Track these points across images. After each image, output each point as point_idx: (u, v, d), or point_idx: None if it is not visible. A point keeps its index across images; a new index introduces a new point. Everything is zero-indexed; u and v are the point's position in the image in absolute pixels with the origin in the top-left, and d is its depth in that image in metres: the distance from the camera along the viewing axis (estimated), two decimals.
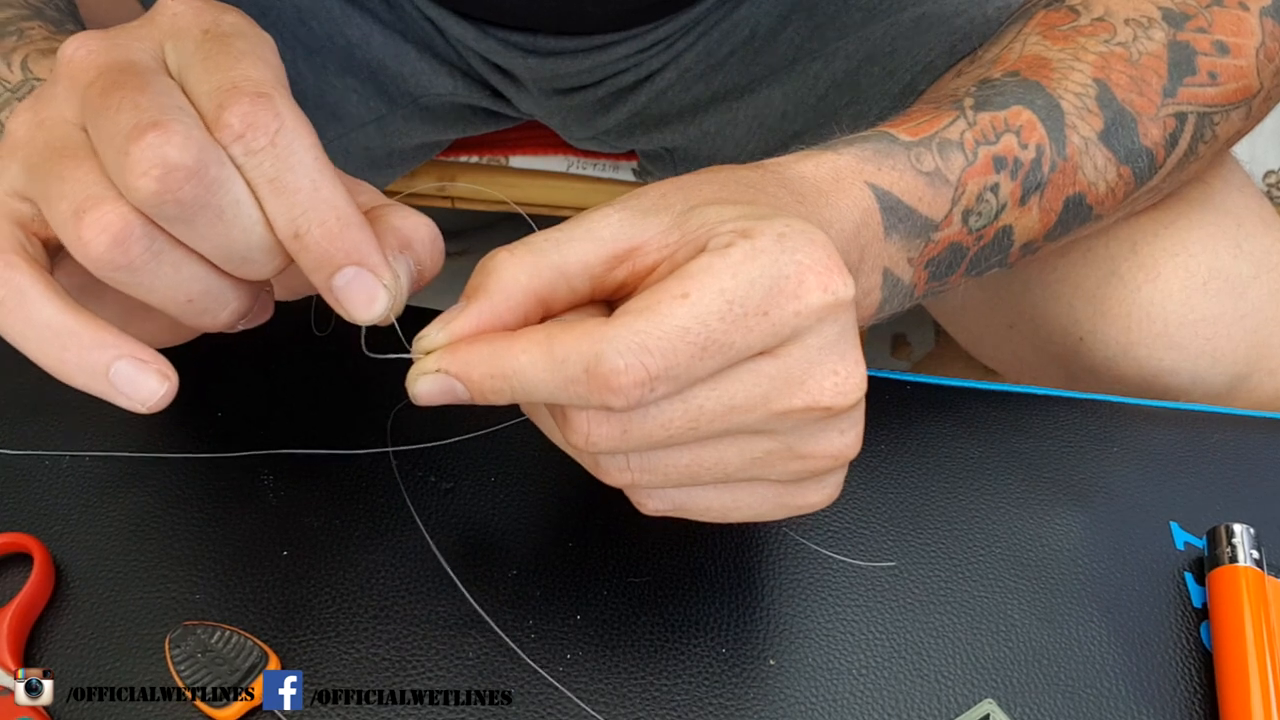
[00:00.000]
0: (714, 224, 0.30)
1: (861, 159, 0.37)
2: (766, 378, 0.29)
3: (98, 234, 0.28)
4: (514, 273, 0.30)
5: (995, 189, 0.39)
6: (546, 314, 0.31)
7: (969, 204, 0.39)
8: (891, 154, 0.37)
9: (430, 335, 0.31)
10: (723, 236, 0.29)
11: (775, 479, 0.32)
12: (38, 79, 0.38)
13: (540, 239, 0.31)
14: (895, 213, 0.37)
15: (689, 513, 0.33)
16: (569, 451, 0.33)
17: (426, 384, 0.30)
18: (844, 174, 0.36)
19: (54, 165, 0.29)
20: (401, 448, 0.42)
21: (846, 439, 0.31)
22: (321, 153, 0.30)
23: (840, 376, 0.30)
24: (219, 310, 0.31)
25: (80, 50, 0.30)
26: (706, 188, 0.32)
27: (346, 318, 0.31)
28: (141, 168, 0.27)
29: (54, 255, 0.32)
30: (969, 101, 0.40)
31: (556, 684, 0.37)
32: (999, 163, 0.39)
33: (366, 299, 0.30)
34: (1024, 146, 0.39)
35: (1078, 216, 0.42)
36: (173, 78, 0.30)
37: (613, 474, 0.32)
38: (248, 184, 0.29)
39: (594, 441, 0.30)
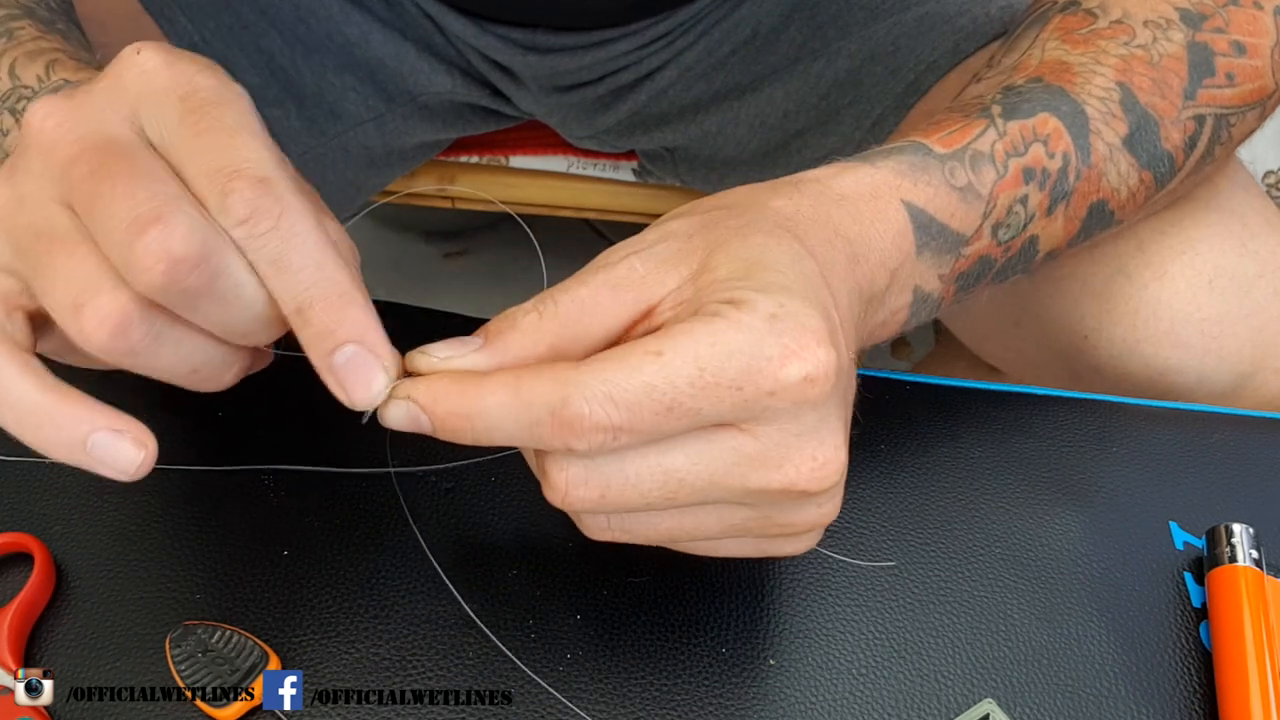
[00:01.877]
0: (718, 288, 0.29)
1: (898, 174, 0.37)
2: (745, 457, 0.29)
3: (97, 326, 0.28)
4: (535, 339, 0.30)
5: (1024, 200, 0.39)
6: None
7: (999, 217, 0.38)
8: (927, 168, 0.37)
9: (415, 360, 0.31)
10: (714, 304, 0.29)
11: (754, 537, 0.33)
12: (25, 86, 0.38)
13: (568, 301, 0.30)
14: (928, 230, 0.37)
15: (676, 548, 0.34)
16: None
17: (394, 410, 0.30)
18: (881, 191, 0.36)
19: (44, 253, 0.29)
20: (402, 469, 0.42)
21: (824, 510, 0.32)
22: (322, 230, 0.30)
23: (818, 462, 0.30)
24: (223, 374, 0.32)
25: (49, 121, 0.30)
26: (732, 222, 0.32)
27: (344, 400, 0.30)
28: (146, 263, 0.27)
29: (41, 324, 0.31)
30: (997, 109, 0.39)
31: (551, 689, 0.37)
32: (1028, 174, 0.39)
33: (365, 379, 0.30)
34: (1051, 156, 0.39)
35: (1100, 222, 0.42)
36: (155, 148, 0.30)
37: (594, 531, 0.32)
38: (250, 265, 0.29)
39: (571, 502, 0.30)
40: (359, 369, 0.30)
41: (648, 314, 0.30)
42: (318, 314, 0.29)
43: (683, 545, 0.33)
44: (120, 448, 0.29)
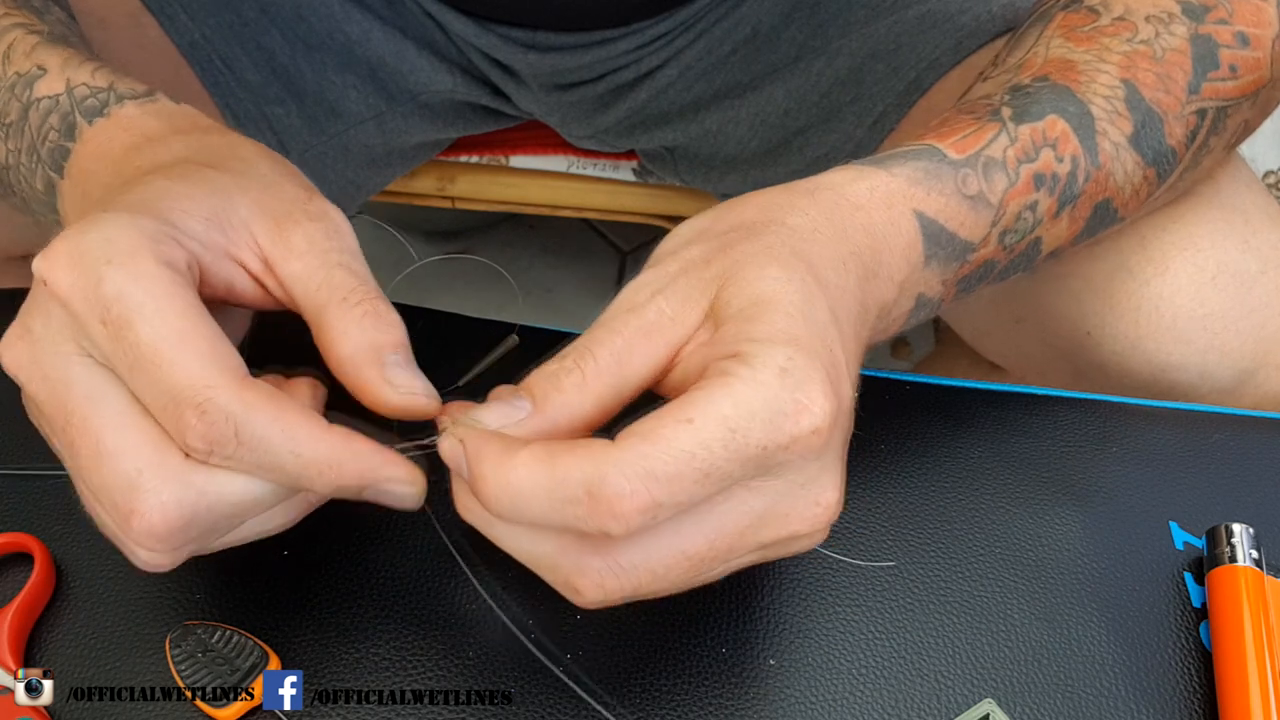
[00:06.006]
0: (728, 334, 0.30)
1: (912, 182, 0.37)
2: (756, 517, 0.30)
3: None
4: (582, 399, 0.30)
5: (1034, 207, 0.39)
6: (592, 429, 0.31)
7: (1008, 224, 0.39)
8: (940, 176, 0.37)
9: (463, 420, 0.31)
10: (724, 362, 0.29)
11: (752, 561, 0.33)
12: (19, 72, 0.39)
13: (606, 355, 0.31)
14: (937, 240, 0.37)
15: None
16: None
17: (446, 443, 0.31)
18: (895, 200, 0.36)
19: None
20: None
21: (815, 539, 0.32)
22: (283, 408, 0.30)
23: (820, 508, 0.31)
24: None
25: (8, 360, 0.31)
26: (747, 245, 0.32)
27: None
28: (146, 544, 0.29)
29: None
30: (1007, 111, 0.40)
31: (564, 677, 0.37)
32: (1039, 180, 0.39)
33: (397, 499, 0.32)
34: (1060, 160, 0.39)
35: (1104, 221, 0.42)
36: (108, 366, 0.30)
37: (615, 602, 0.31)
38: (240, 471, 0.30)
39: (609, 596, 0.30)
40: (388, 497, 0.32)
41: (676, 357, 0.31)
42: (324, 487, 0.31)
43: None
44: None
